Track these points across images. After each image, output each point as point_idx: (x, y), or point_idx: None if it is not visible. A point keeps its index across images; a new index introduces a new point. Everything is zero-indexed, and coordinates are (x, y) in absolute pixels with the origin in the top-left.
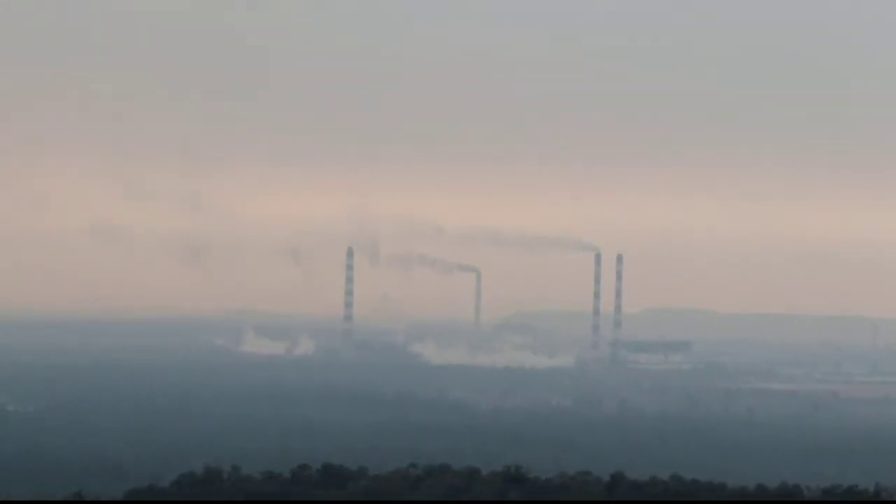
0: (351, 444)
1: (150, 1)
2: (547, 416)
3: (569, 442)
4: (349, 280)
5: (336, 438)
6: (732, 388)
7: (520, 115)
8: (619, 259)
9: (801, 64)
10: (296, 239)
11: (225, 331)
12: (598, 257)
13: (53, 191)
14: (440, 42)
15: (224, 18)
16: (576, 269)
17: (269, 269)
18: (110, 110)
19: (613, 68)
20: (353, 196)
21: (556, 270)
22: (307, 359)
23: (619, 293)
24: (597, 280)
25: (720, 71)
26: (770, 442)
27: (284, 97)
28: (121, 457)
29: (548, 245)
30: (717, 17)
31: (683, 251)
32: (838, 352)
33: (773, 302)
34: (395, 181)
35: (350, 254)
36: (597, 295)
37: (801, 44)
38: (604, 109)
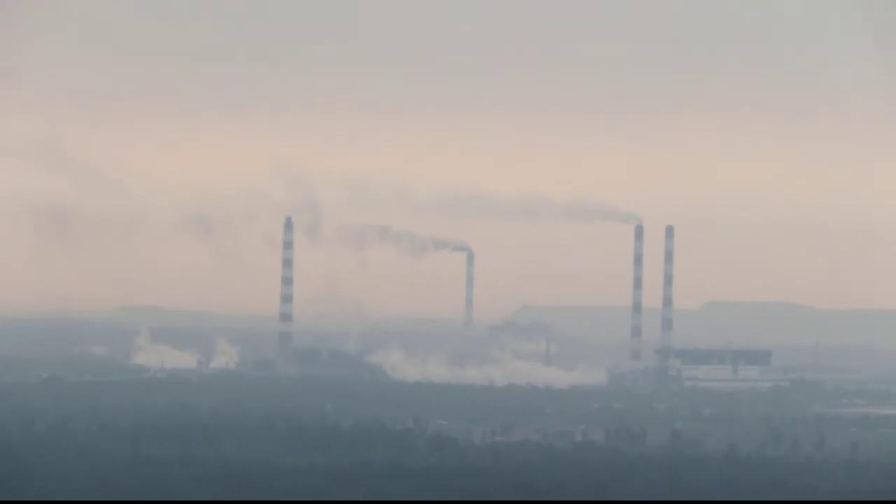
0: (293, 494)
1: None
2: (568, 455)
3: (600, 490)
4: (287, 264)
5: (272, 485)
6: (830, 416)
7: (518, 41)
8: (669, 233)
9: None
10: (207, 207)
11: (110, 336)
12: (639, 230)
13: None
14: None
15: None
16: (607, 248)
17: (170, 250)
18: None
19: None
20: (283, 149)
21: (580, 250)
22: (228, 374)
23: (668, 281)
24: (637, 263)
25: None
26: (883, 491)
27: (188, 15)
28: None
29: (567, 214)
30: None
31: (758, 223)
32: None
33: (885, 293)
34: (341, 129)
35: (289, 227)
36: (638, 283)
37: None
38: (638, 37)
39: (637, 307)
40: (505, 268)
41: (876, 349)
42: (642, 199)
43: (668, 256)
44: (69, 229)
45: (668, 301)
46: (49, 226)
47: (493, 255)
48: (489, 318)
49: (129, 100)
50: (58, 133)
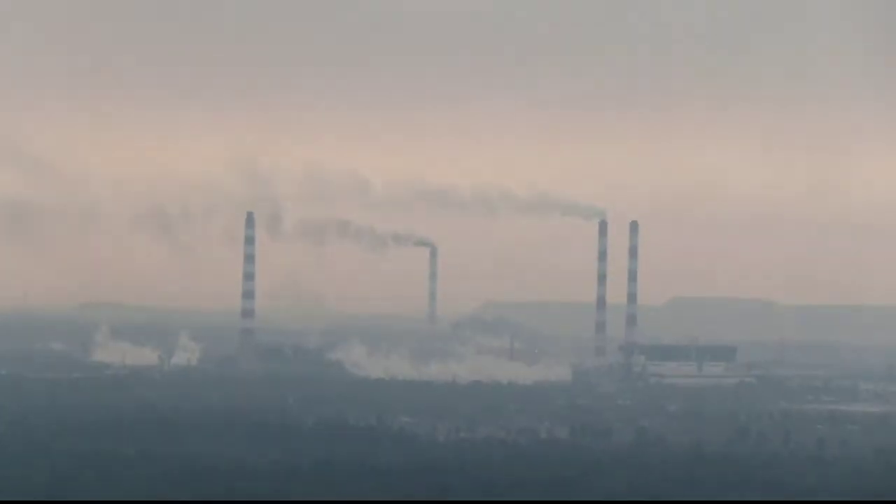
0: (255, 491)
1: None
2: (533, 452)
3: (564, 488)
4: (249, 259)
5: (233, 483)
6: (796, 412)
7: (479, 32)
8: (634, 228)
9: None
10: (167, 202)
11: (69, 332)
12: (602, 226)
13: None
14: None
15: None
16: (571, 243)
17: (130, 245)
18: None
19: None
20: (243, 143)
21: (543, 245)
22: (190, 371)
23: (633, 276)
24: (601, 258)
25: None
26: (849, 488)
27: (142, 7)
28: None
29: (530, 210)
30: None
31: (724, 217)
32: None
33: (853, 290)
34: (301, 123)
35: (250, 222)
36: (602, 279)
37: None
38: (599, 33)
39: (601, 303)
40: (468, 263)
41: (842, 346)
42: (606, 193)
43: (633, 252)
44: (27, 225)
45: (632, 297)
46: (6, 221)
47: (456, 251)
48: (452, 313)
49: (85, 94)
50: (13, 127)
